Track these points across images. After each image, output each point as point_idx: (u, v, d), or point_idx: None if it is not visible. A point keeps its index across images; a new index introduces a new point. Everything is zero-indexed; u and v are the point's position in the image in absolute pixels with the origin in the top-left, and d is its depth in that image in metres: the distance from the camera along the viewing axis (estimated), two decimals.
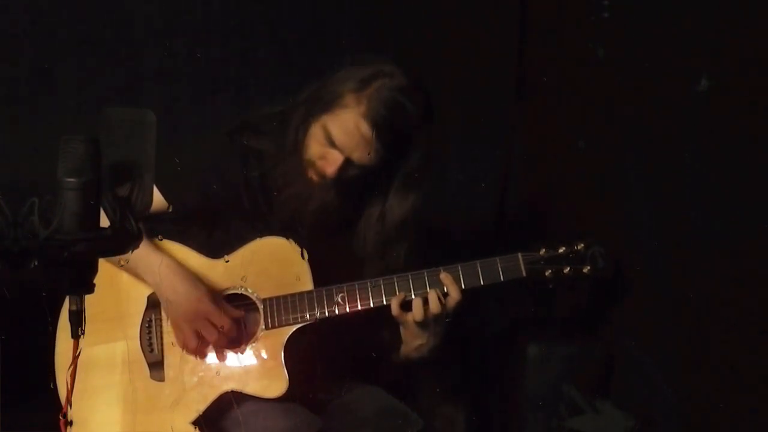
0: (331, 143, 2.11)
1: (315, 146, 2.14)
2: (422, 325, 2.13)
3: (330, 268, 2.15)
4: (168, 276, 2.11)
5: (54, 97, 2.65)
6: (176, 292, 2.11)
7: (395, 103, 2.09)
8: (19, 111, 2.65)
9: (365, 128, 2.08)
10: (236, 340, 2.14)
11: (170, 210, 2.15)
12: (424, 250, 2.24)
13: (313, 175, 2.15)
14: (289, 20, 2.83)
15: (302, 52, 2.79)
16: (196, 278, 2.14)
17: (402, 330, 2.19)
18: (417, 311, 2.11)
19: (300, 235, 2.16)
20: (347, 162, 2.12)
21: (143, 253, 2.08)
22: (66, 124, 2.50)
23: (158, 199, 2.02)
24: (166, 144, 1.45)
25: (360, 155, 2.11)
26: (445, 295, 2.11)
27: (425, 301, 2.10)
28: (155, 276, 2.12)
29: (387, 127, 2.09)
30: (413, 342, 2.19)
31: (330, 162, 2.12)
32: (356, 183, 2.16)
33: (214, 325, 2.09)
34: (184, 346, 2.13)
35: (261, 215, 2.20)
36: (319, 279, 2.14)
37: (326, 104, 2.13)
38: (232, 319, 2.12)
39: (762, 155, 2.02)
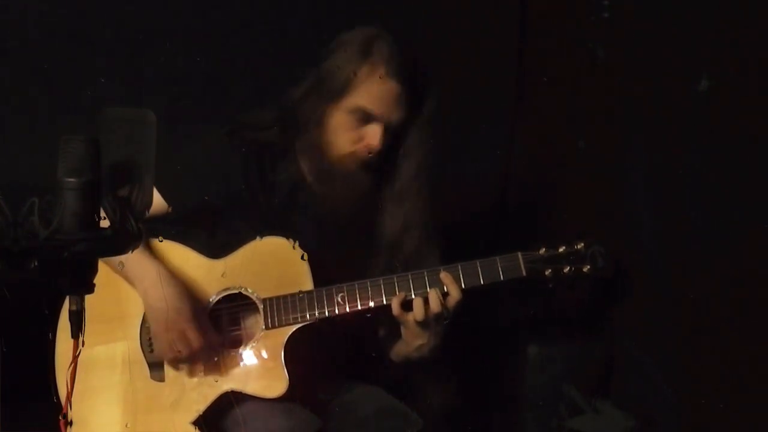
0: (366, 119, 2.12)
1: (345, 135, 2.15)
2: (423, 324, 2.13)
3: (332, 272, 2.15)
4: (157, 284, 2.11)
5: (54, 97, 2.65)
6: (162, 300, 2.11)
7: (403, 51, 2.14)
8: (19, 111, 2.64)
9: (393, 84, 2.12)
10: (205, 360, 2.13)
11: (170, 211, 2.16)
12: (439, 208, 2.25)
13: (349, 165, 2.16)
14: (289, 21, 2.83)
15: (302, 53, 2.79)
16: (187, 293, 2.14)
17: (402, 330, 2.19)
18: (418, 311, 2.10)
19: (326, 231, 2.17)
20: (386, 129, 2.13)
21: (136, 259, 2.09)
22: (66, 124, 2.50)
23: (158, 200, 2.02)
24: (166, 145, 1.45)
25: (398, 116, 2.14)
26: (446, 294, 2.11)
27: (426, 301, 2.10)
28: (145, 282, 2.12)
29: (409, 75, 2.14)
30: (414, 342, 2.18)
31: (372, 136, 2.13)
32: (389, 147, 2.18)
33: (188, 341, 2.10)
34: (160, 355, 2.14)
35: (262, 214, 2.20)
36: (320, 282, 2.14)
37: (341, 89, 2.14)
38: (208, 339, 2.12)
39: (762, 155, 2.02)
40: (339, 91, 2.14)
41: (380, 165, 2.19)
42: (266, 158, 2.22)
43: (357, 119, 2.13)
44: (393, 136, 2.16)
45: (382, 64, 2.12)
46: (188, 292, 2.14)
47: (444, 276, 2.11)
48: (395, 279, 2.12)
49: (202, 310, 2.15)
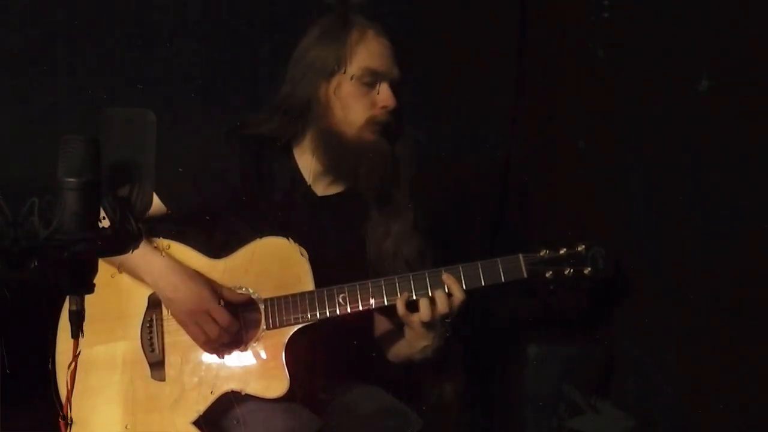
0: (372, 82, 2.14)
1: (359, 103, 2.15)
2: (428, 325, 2.12)
3: (332, 272, 2.15)
4: (167, 274, 2.12)
5: (54, 97, 2.65)
6: (176, 289, 2.11)
7: (375, 12, 2.19)
8: (19, 111, 2.64)
9: (385, 41, 2.17)
10: (238, 335, 2.14)
11: (168, 213, 2.16)
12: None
13: (369, 134, 2.16)
14: (289, 22, 2.82)
15: None
16: (195, 274, 2.14)
17: (407, 331, 2.18)
18: (424, 311, 2.09)
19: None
20: (392, 86, 2.15)
21: (142, 253, 2.08)
22: (66, 124, 2.50)
23: (156, 203, 2.02)
24: (166, 146, 1.45)
25: (397, 72, 2.17)
26: (448, 295, 2.10)
27: (432, 301, 2.10)
28: (154, 275, 2.12)
29: (391, 32, 2.18)
30: (418, 343, 2.17)
31: (383, 97, 2.15)
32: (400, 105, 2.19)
33: (215, 320, 2.10)
34: (196, 342, 2.13)
35: (261, 215, 2.20)
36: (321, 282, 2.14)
37: (339, 61, 2.15)
38: (233, 313, 2.12)
39: (762, 155, 2.02)
40: (337, 64, 2.14)
41: (397, 130, 2.19)
42: (265, 160, 2.22)
43: (364, 84, 2.14)
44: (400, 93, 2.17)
45: (368, 27, 2.16)
46: (199, 274, 2.15)
47: (446, 277, 2.11)
48: (396, 279, 2.12)
49: (219, 288, 2.15)
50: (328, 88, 2.16)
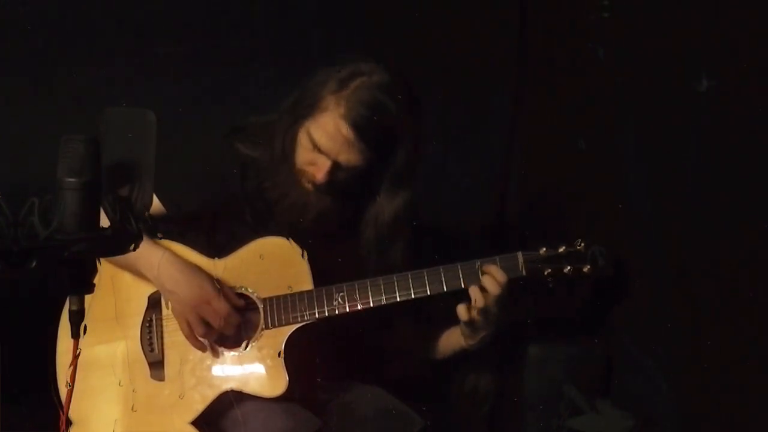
0: (317, 148, 2.10)
1: (303, 153, 2.13)
2: (485, 312, 2.11)
3: (331, 272, 2.15)
4: (167, 268, 2.11)
5: (54, 97, 2.65)
6: (177, 282, 2.11)
7: (374, 101, 2.07)
8: (19, 111, 2.65)
9: (345, 130, 2.06)
10: (237, 331, 2.14)
11: (167, 214, 2.16)
12: (423, 249, 2.24)
13: (306, 183, 2.15)
14: (291, 23, 2.83)
15: (303, 55, 2.79)
16: (195, 267, 2.14)
17: (464, 327, 2.18)
18: (478, 298, 2.08)
19: (301, 238, 2.16)
20: (335, 166, 2.10)
21: (142, 249, 2.08)
22: (66, 124, 2.50)
23: (155, 203, 2.02)
24: (165, 148, 1.45)
25: (346, 157, 2.09)
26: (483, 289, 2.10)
27: (482, 290, 2.09)
28: (154, 270, 2.12)
29: (367, 127, 2.07)
30: (477, 335, 2.18)
31: (319, 167, 2.11)
32: (350, 186, 2.15)
33: (217, 311, 2.10)
34: (191, 336, 2.13)
35: (262, 222, 2.20)
36: (320, 282, 2.14)
37: (308, 109, 2.12)
38: (234, 304, 2.12)
39: (763, 155, 2.02)
40: (307, 111, 2.12)
41: (343, 196, 2.16)
42: (260, 168, 2.22)
43: (311, 145, 2.11)
44: (353, 177, 2.13)
45: (345, 104, 2.06)
46: (198, 267, 2.15)
47: (486, 268, 2.10)
48: (395, 279, 2.12)
49: (216, 280, 2.15)
50: (296, 126, 2.15)
